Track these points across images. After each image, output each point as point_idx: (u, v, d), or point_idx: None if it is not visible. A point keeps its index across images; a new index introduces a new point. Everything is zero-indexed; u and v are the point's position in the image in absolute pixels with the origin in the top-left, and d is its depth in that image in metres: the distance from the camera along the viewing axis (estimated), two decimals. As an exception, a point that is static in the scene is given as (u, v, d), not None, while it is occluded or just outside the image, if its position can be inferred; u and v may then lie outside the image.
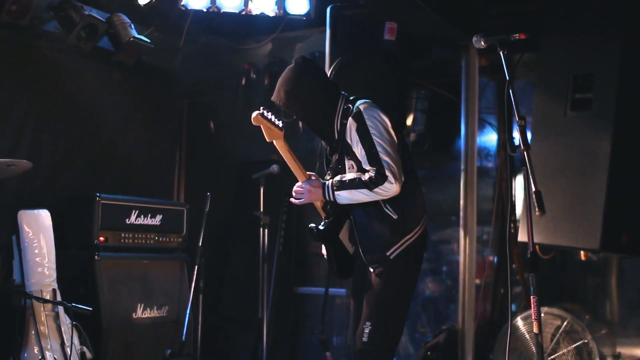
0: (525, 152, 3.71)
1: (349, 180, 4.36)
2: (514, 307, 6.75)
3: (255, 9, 6.80)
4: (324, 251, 4.70)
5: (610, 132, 5.46)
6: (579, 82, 5.65)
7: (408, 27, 6.37)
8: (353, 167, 4.41)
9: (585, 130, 5.56)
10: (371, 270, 4.43)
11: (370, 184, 4.26)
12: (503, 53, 3.93)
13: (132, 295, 6.20)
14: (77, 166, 6.51)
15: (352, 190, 4.33)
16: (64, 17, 6.24)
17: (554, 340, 5.77)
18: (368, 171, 4.30)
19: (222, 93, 7.85)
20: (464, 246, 6.41)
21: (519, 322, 5.95)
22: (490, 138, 7.07)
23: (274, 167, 6.58)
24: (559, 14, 5.81)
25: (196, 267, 6.29)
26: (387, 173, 4.23)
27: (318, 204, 4.61)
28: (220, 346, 7.35)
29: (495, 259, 7.02)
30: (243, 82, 7.70)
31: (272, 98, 4.52)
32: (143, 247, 6.41)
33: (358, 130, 4.33)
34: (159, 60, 7.32)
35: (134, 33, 6.57)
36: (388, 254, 4.36)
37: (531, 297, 3.71)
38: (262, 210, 6.62)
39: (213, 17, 7.13)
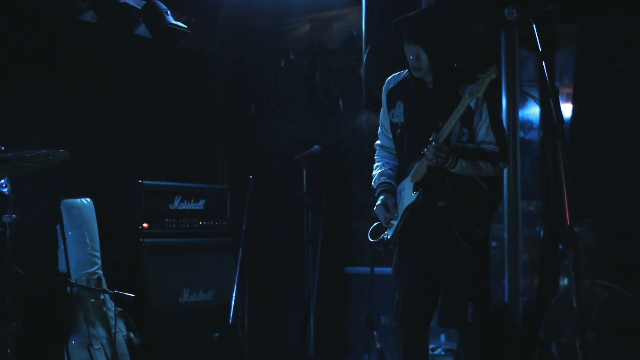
0: (558, 126, 3.63)
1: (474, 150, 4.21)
2: (566, 282, 6.65)
3: (292, -11, 6.82)
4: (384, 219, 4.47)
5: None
6: (621, 51, 5.55)
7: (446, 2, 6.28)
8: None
9: (626, 99, 5.46)
10: (464, 244, 4.23)
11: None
12: (535, 24, 3.84)
13: (177, 280, 6.26)
14: (120, 153, 6.56)
15: (477, 162, 4.16)
16: (99, 7, 6.28)
17: (601, 313, 5.67)
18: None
19: (262, 75, 7.84)
20: (508, 221, 6.33)
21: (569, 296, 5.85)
22: (533, 111, 6.95)
23: (316, 148, 6.56)
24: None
25: (240, 250, 6.29)
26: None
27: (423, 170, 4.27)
28: (268, 328, 7.39)
29: (542, 234, 6.92)
30: (282, 63, 7.69)
31: None
32: (187, 232, 6.45)
33: None
34: (197, 45, 7.33)
35: (171, 20, 6.60)
36: (481, 229, 4.25)
37: (571, 272, 3.66)
38: (305, 191, 6.62)
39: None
